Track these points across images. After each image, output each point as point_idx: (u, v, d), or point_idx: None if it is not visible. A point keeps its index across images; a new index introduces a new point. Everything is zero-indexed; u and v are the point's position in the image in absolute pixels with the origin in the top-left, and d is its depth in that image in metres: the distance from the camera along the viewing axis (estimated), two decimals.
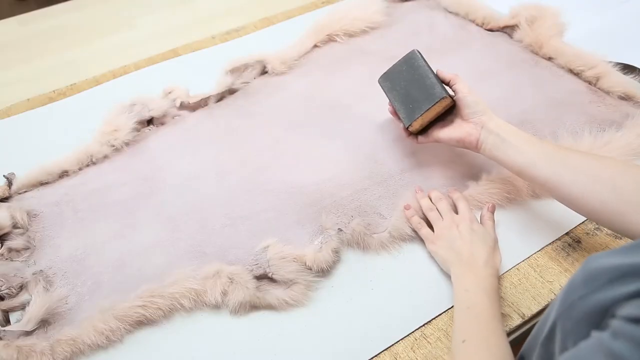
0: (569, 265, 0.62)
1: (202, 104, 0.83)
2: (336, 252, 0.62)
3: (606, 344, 0.31)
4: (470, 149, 0.65)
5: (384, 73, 0.71)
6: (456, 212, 0.65)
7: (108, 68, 0.93)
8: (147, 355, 0.56)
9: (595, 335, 0.32)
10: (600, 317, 0.33)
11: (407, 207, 0.66)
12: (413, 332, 0.56)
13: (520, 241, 0.64)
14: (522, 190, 0.67)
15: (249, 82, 0.87)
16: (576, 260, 0.63)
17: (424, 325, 0.57)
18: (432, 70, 0.67)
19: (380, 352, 0.55)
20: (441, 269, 0.61)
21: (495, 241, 0.62)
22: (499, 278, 0.60)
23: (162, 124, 0.81)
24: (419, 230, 0.64)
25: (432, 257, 0.63)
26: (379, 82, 0.72)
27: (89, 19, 1.09)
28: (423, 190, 0.68)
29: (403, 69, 0.69)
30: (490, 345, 0.49)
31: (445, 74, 0.67)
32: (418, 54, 0.68)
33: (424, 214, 0.66)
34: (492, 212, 0.65)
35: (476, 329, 0.51)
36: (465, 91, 0.64)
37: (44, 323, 0.57)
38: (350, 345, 0.56)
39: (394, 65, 0.70)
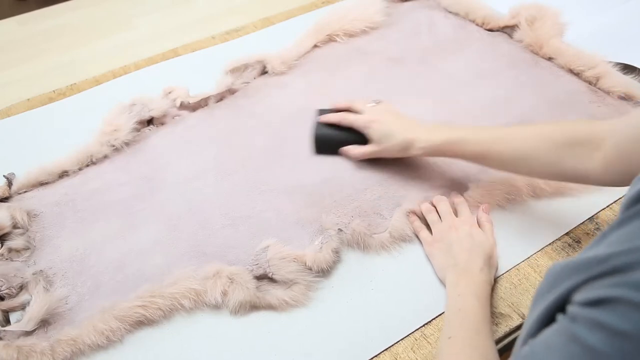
0: None
1: (202, 104, 0.83)
2: (336, 252, 0.62)
3: (566, 328, 0.32)
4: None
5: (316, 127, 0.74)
6: (456, 215, 0.65)
7: (108, 68, 0.93)
8: (147, 355, 0.56)
9: (559, 318, 0.34)
10: (558, 308, 0.35)
11: (411, 215, 0.66)
12: (413, 332, 0.56)
13: (520, 241, 0.64)
14: (522, 191, 0.67)
15: (249, 82, 0.87)
16: None
17: (424, 325, 0.57)
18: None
19: (380, 353, 0.55)
20: None
21: (493, 247, 0.61)
22: (496, 281, 0.60)
23: (162, 124, 0.81)
24: (418, 233, 0.64)
25: None
26: (316, 133, 0.74)
27: (89, 19, 1.09)
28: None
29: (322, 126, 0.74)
30: (476, 344, 0.50)
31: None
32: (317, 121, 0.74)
33: (424, 216, 0.66)
34: (488, 213, 0.65)
35: (464, 327, 0.52)
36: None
37: (44, 323, 0.57)
38: (350, 346, 0.55)
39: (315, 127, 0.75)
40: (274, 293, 0.59)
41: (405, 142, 0.65)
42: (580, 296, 0.33)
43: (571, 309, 0.33)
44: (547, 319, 0.35)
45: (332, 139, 0.73)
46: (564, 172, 0.57)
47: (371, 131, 0.69)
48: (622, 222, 0.35)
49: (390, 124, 0.68)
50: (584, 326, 0.31)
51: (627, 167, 0.51)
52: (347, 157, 0.73)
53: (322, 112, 0.75)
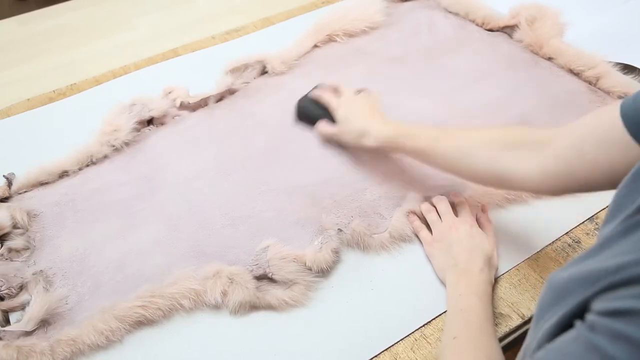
0: None
1: (202, 104, 0.83)
2: (336, 252, 0.62)
3: (584, 336, 0.32)
4: None
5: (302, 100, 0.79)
6: (456, 214, 0.65)
7: (108, 68, 0.93)
8: (147, 355, 0.56)
9: (577, 325, 0.33)
10: (574, 318, 0.34)
11: (411, 215, 0.66)
12: (413, 332, 0.56)
13: (520, 241, 0.64)
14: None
15: (249, 82, 0.87)
16: None
17: (423, 325, 0.57)
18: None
19: (380, 353, 0.55)
20: None
21: (493, 247, 0.61)
22: (496, 281, 0.60)
23: (162, 124, 0.81)
24: (418, 232, 0.64)
25: None
26: (299, 104, 0.79)
27: (89, 19, 1.09)
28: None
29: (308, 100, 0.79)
30: (480, 344, 0.50)
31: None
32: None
33: (423, 216, 0.66)
34: (487, 213, 0.65)
35: (467, 328, 0.52)
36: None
37: (44, 323, 0.57)
38: (350, 346, 0.56)
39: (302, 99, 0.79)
40: (273, 293, 0.59)
41: (361, 129, 0.68)
42: (598, 305, 0.32)
43: (590, 317, 0.32)
44: (562, 331, 0.35)
45: (310, 112, 0.77)
46: (501, 173, 0.54)
47: (337, 113, 0.72)
48: (627, 230, 0.34)
49: (354, 110, 0.70)
50: (603, 336, 0.30)
51: (564, 175, 0.49)
52: (317, 132, 0.76)
53: (317, 87, 0.80)
